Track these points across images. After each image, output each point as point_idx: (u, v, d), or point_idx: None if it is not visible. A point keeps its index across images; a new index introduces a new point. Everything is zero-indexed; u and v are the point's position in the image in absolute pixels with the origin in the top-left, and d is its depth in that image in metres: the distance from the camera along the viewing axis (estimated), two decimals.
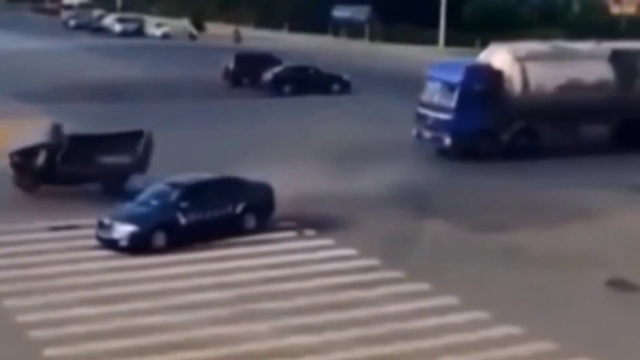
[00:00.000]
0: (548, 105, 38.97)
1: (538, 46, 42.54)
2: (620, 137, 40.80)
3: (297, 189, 31.22)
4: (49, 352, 19.76)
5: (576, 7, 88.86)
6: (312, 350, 20.02)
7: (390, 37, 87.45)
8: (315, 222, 29.03)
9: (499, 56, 39.98)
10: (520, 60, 39.42)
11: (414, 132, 39.86)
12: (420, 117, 39.82)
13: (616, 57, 41.08)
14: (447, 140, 38.50)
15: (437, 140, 38.98)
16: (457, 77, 39.10)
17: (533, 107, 38.89)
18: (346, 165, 36.14)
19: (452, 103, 38.65)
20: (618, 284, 24.57)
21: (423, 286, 23.96)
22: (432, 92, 39.77)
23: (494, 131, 38.92)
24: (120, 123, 44.37)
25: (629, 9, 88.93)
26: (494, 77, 39.18)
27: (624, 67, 41.01)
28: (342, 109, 50.42)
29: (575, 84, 39.76)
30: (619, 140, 40.68)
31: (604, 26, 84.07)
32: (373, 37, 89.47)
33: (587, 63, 40.74)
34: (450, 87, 38.96)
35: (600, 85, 40.26)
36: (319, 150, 38.39)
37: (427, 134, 39.43)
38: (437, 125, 38.92)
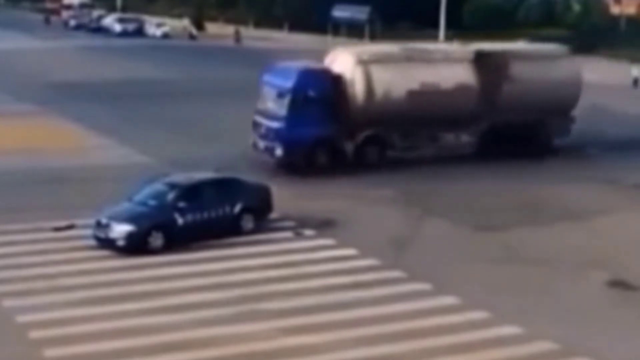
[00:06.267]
0: (398, 112, 35.89)
1: (385, 48, 39.65)
2: (488, 145, 38.04)
3: None
4: (49, 352, 19.75)
5: (576, 7, 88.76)
6: (312, 350, 20.02)
7: (390, 37, 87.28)
8: (315, 222, 29.03)
9: (340, 60, 36.92)
10: (363, 63, 36.18)
11: (250, 141, 36.75)
12: (255, 125, 36.63)
13: (480, 60, 38.11)
14: (279, 151, 35.37)
15: (270, 150, 35.78)
16: (289, 82, 35.78)
17: (380, 114, 35.77)
18: None
19: (284, 110, 35.50)
20: (618, 284, 24.58)
21: (423, 286, 23.95)
22: (266, 98, 36.60)
23: (334, 141, 35.89)
24: (118, 123, 44.47)
25: (629, 9, 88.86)
26: (332, 82, 35.94)
27: (489, 70, 37.93)
28: None
29: (430, 89, 36.58)
30: (487, 148, 37.90)
31: (604, 26, 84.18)
32: (373, 37, 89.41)
33: (445, 66, 37.63)
34: (282, 92, 35.72)
35: (462, 90, 37.17)
36: None
37: (261, 144, 36.14)
38: (270, 134, 35.80)
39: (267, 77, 37.26)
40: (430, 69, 37.34)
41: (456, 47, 40.19)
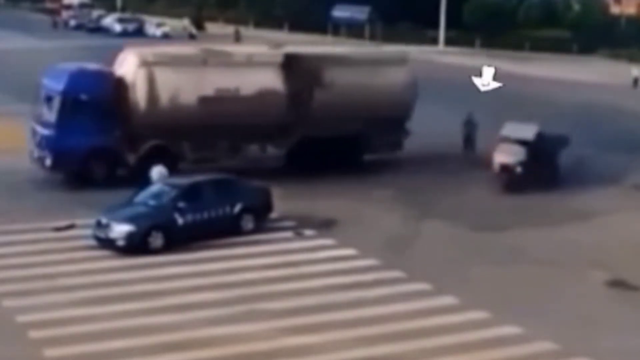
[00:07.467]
0: (189, 120, 32.58)
1: (178, 50, 36.80)
2: (298, 157, 34.83)
3: None
4: (49, 352, 19.75)
5: (576, 7, 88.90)
6: (312, 350, 20.02)
7: (390, 37, 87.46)
8: (315, 222, 29.03)
9: (126, 61, 33.69)
10: (147, 65, 32.90)
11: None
12: (33, 133, 33.55)
13: (290, 64, 34.62)
14: (48, 161, 32.32)
15: (41, 160, 32.74)
16: (59, 85, 32.50)
17: (167, 122, 32.35)
18: None
19: (53, 116, 32.35)
20: (618, 284, 24.59)
21: (423, 286, 23.96)
22: (41, 103, 33.23)
23: (113, 151, 32.58)
24: None
25: (629, 9, 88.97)
26: (111, 85, 32.76)
27: (300, 76, 34.52)
28: None
29: (228, 95, 33.30)
30: (298, 161, 34.82)
31: (604, 26, 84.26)
32: (373, 37, 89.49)
33: (247, 71, 34.26)
34: (52, 96, 32.59)
35: (266, 97, 33.81)
36: None
37: (36, 153, 33.09)
38: (42, 143, 32.75)
39: (44, 80, 33.85)
40: (228, 73, 34.02)
41: (264, 50, 37.01)
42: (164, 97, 32.77)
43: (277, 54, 35.40)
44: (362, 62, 37.08)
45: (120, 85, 32.82)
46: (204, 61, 34.22)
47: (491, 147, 34.40)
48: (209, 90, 33.23)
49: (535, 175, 33.47)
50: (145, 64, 33.04)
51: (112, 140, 32.59)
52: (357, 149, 35.77)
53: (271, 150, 34.80)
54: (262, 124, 33.60)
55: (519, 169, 33.39)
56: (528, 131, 34.30)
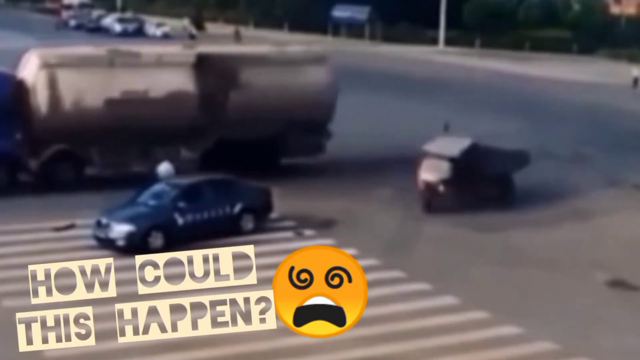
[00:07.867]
0: (94, 124, 31.59)
1: (83, 51, 35.23)
2: (214, 161, 32.74)
3: None
4: (49, 352, 19.71)
5: (576, 7, 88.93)
6: (312, 350, 20.02)
7: (390, 37, 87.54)
8: (315, 222, 29.02)
9: (28, 63, 32.79)
10: (49, 67, 32.07)
11: None
12: None
13: (202, 64, 33.75)
14: None
15: None
16: None
17: (71, 126, 31.41)
18: None
19: None
20: (618, 284, 24.58)
21: (423, 286, 23.96)
22: None
23: (14, 157, 31.82)
24: None
25: (629, 9, 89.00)
26: (11, 88, 31.93)
27: (213, 77, 33.68)
28: None
29: (136, 97, 32.47)
30: (213, 164, 32.31)
31: (604, 26, 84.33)
32: (373, 37, 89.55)
33: (156, 72, 33.37)
34: None
35: (177, 99, 32.99)
36: None
37: None
38: None
39: None
40: (136, 74, 33.17)
41: (175, 50, 36.16)
42: (68, 99, 32.00)
43: (189, 54, 34.54)
44: (279, 62, 35.82)
45: (21, 88, 32.07)
46: (110, 62, 33.30)
47: (418, 163, 32.19)
48: (115, 92, 32.45)
49: (468, 194, 31.02)
50: (47, 65, 32.25)
51: (13, 145, 31.77)
52: (275, 152, 34.96)
53: (185, 153, 33.66)
54: (174, 127, 32.66)
55: (441, 188, 30.83)
56: (455, 147, 31.21)
